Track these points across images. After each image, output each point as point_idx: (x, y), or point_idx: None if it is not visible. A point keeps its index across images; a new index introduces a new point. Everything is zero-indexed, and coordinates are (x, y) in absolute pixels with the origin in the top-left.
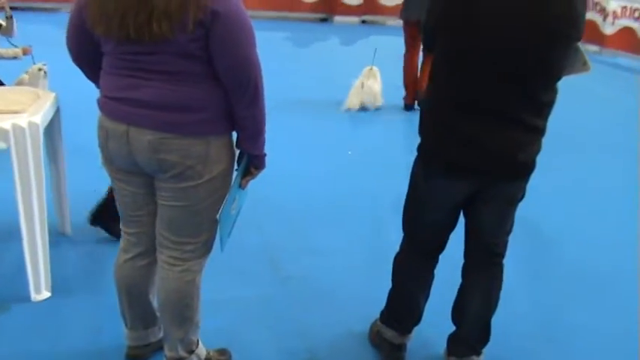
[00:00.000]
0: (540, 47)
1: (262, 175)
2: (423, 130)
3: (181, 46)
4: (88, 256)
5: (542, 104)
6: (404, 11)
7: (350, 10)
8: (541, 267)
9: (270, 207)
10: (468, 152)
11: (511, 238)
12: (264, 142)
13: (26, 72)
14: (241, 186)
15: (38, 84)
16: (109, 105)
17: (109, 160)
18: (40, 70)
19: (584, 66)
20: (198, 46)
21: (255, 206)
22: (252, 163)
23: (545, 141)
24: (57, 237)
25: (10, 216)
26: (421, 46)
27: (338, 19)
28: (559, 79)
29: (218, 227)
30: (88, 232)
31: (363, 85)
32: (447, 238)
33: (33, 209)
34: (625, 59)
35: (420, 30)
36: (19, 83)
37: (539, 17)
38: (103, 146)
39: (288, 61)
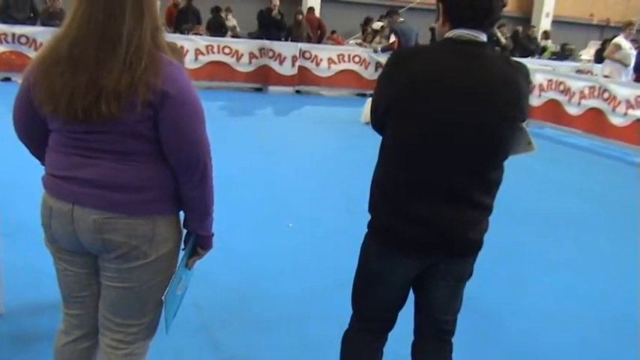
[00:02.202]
0: (488, 129)
1: None
2: (374, 208)
3: (129, 126)
4: (22, 337)
5: (490, 183)
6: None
7: (284, 80)
8: (485, 343)
9: (206, 282)
10: (420, 231)
11: None
12: (211, 223)
13: None
14: (187, 266)
15: None
16: (53, 183)
17: (51, 239)
18: None
19: (528, 145)
20: (147, 126)
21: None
22: (199, 243)
23: None
24: None
25: None
26: None
27: (272, 89)
28: (506, 158)
29: (163, 308)
30: (23, 311)
31: None
32: (397, 315)
33: None
34: (550, 130)
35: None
36: None
37: (488, 102)
38: (46, 225)
39: (225, 131)
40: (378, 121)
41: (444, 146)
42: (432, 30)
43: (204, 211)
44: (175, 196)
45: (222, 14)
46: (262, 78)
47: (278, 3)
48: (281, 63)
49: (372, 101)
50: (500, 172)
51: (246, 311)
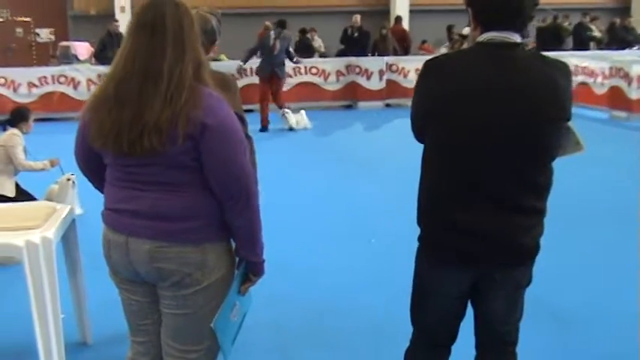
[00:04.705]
0: (529, 131)
1: (277, 271)
2: (422, 220)
3: (172, 158)
4: None
5: (539, 186)
6: (258, 70)
7: (373, 95)
8: (567, 351)
9: (285, 303)
10: (471, 241)
11: (528, 325)
12: (262, 249)
13: (56, 182)
14: (240, 292)
15: (67, 194)
16: (110, 217)
17: (114, 271)
18: (68, 180)
19: (577, 146)
20: (189, 157)
21: (270, 304)
22: (250, 269)
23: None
24: (78, 347)
25: (27, 331)
26: (270, 92)
27: (362, 104)
28: (552, 159)
29: (217, 335)
30: (109, 341)
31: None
32: (458, 328)
33: (48, 323)
34: None
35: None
36: (50, 193)
37: (525, 103)
38: (107, 257)
39: (316, 149)
40: (417, 131)
41: (485, 152)
42: None
43: (251, 238)
44: (224, 223)
45: (309, 35)
46: (351, 94)
47: (359, 21)
48: (368, 78)
49: (411, 112)
50: (549, 174)
51: (323, 327)
